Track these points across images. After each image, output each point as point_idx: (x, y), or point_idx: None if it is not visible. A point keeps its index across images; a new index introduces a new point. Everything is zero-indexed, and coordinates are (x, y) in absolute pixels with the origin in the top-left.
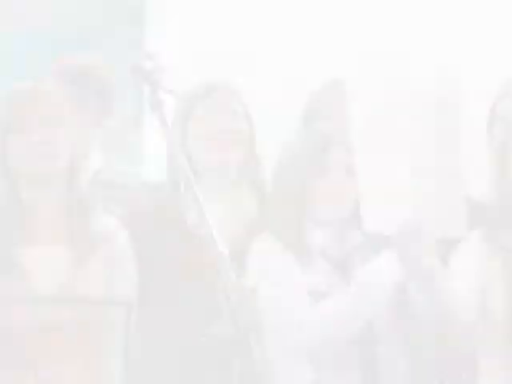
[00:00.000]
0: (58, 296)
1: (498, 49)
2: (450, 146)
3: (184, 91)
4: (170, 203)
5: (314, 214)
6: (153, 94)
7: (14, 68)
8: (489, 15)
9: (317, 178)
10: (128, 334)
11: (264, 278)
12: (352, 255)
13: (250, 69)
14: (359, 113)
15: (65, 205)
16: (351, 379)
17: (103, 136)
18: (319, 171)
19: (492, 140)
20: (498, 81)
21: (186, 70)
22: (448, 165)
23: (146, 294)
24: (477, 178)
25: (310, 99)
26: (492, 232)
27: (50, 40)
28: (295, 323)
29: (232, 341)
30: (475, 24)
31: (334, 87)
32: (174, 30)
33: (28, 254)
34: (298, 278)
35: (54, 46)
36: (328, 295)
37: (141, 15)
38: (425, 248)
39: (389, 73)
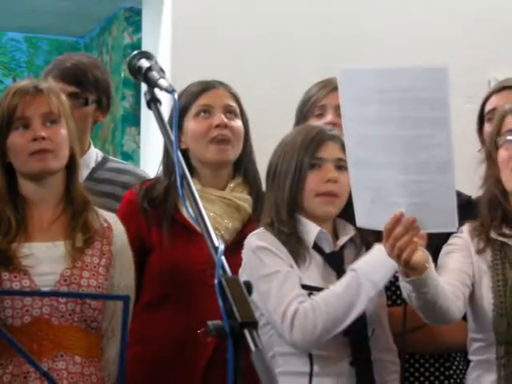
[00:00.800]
0: (57, 290)
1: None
2: (442, 141)
3: (180, 89)
4: (167, 199)
5: (307, 208)
6: (150, 91)
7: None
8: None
9: (310, 172)
10: (126, 327)
11: (259, 272)
12: (345, 249)
13: (246, 66)
14: (352, 109)
15: (64, 201)
16: (344, 371)
17: (101, 133)
18: (313, 166)
19: (481, 137)
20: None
21: (183, 68)
22: (440, 160)
23: (144, 289)
24: (467, 173)
25: (305, 97)
26: (481, 226)
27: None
28: (289, 317)
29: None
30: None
31: (328, 85)
32: (170, 29)
33: (27, 249)
34: (292, 271)
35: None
36: (321, 289)
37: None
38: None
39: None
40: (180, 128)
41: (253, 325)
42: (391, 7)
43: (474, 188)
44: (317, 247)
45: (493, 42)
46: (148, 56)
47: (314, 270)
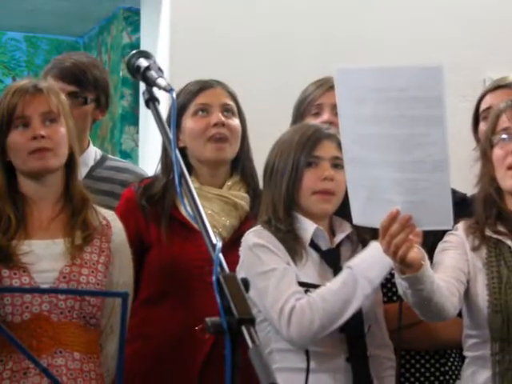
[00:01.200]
0: (57, 287)
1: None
2: (437, 139)
3: (179, 88)
4: (165, 196)
5: (304, 206)
6: (148, 90)
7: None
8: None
9: (307, 170)
10: (124, 323)
11: (256, 269)
12: (342, 247)
13: (245, 66)
14: (348, 107)
15: (63, 199)
16: (340, 367)
17: (100, 132)
18: (309, 164)
19: (476, 135)
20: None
21: (181, 67)
22: (435, 158)
23: (143, 286)
24: (462, 171)
25: (301, 96)
26: (476, 223)
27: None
28: (286, 314)
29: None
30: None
31: (324, 84)
32: (168, 29)
33: (27, 246)
34: (289, 269)
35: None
36: (318, 286)
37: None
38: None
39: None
40: (178, 126)
41: (250, 321)
42: (391, 7)
43: (469, 186)
44: (313, 244)
45: (488, 41)
46: (146, 55)
47: (310, 267)
